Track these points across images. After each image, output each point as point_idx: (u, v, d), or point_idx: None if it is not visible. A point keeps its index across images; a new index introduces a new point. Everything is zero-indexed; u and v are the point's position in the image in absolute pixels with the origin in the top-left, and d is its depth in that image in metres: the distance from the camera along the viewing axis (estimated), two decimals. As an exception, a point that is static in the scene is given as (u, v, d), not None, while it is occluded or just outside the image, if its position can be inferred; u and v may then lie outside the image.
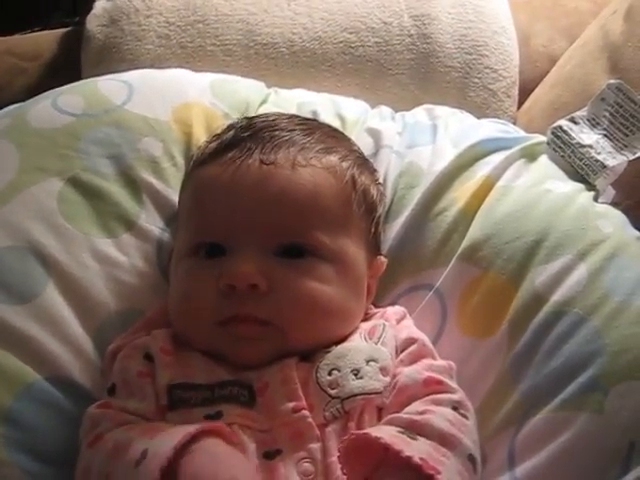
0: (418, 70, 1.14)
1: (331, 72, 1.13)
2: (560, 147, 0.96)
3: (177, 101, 0.98)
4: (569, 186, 0.92)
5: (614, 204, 0.93)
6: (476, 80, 1.14)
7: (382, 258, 0.88)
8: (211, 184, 0.83)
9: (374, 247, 0.88)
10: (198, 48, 1.13)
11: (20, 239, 0.86)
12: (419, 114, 1.03)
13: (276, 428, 0.75)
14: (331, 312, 0.80)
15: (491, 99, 1.14)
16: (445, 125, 0.99)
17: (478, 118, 1.05)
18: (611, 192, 0.94)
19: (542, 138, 0.98)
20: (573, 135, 0.96)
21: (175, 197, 0.91)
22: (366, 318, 0.86)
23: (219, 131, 0.90)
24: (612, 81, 0.97)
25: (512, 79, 1.15)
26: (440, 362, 0.81)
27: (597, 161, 0.94)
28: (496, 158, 0.94)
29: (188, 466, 0.68)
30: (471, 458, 0.74)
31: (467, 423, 0.76)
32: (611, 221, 0.89)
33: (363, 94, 1.10)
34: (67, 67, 1.18)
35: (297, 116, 0.92)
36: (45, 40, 1.28)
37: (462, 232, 0.90)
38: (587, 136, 0.96)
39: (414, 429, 0.73)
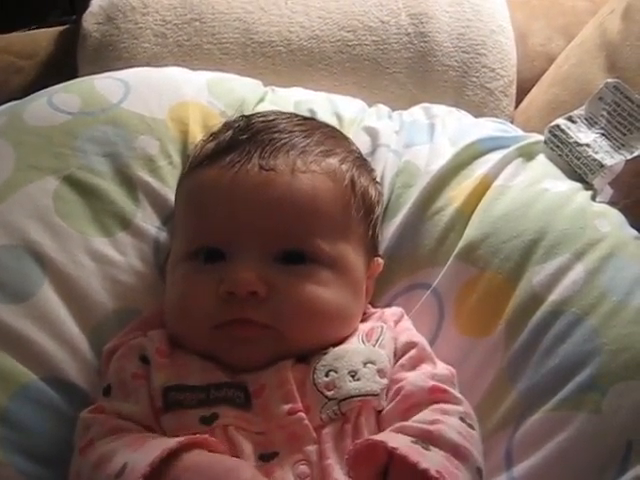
0: (415, 69, 1.13)
1: (328, 71, 1.13)
2: (558, 146, 0.96)
3: (174, 99, 0.97)
4: (567, 185, 0.92)
5: (612, 203, 0.93)
6: (474, 79, 1.14)
7: (379, 259, 0.88)
8: (210, 188, 0.82)
9: (372, 249, 0.87)
10: (195, 46, 1.13)
11: (16, 238, 0.85)
12: (416, 113, 1.03)
13: (272, 430, 0.75)
14: (331, 316, 0.80)
15: (489, 98, 1.14)
16: (442, 124, 0.99)
17: (475, 117, 1.05)
18: (609, 191, 0.94)
19: (540, 137, 0.98)
20: (571, 134, 0.96)
21: (172, 196, 0.91)
22: (364, 319, 0.85)
23: (215, 130, 0.89)
24: (610, 80, 0.97)
25: (510, 78, 1.15)
26: (442, 371, 0.80)
27: (595, 160, 0.94)
28: (494, 157, 0.94)
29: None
30: (479, 471, 0.74)
31: (474, 434, 0.76)
32: (609, 220, 0.89)
33: (360, 93, 1.10)
34: (63, 65, 1.18)
35: (296, 115, 0.92)
36: (41, 38, 1.28)
37: (459, 231, 0.89)
38: (585, 135, 0.96)
39: (427, 439, 0.72)
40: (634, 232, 0.90)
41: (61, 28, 1.29)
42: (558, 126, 0.97)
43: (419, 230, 0.91)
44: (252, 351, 0.78)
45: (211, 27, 1.14)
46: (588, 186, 0.93)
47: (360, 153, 0.92)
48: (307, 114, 0.98)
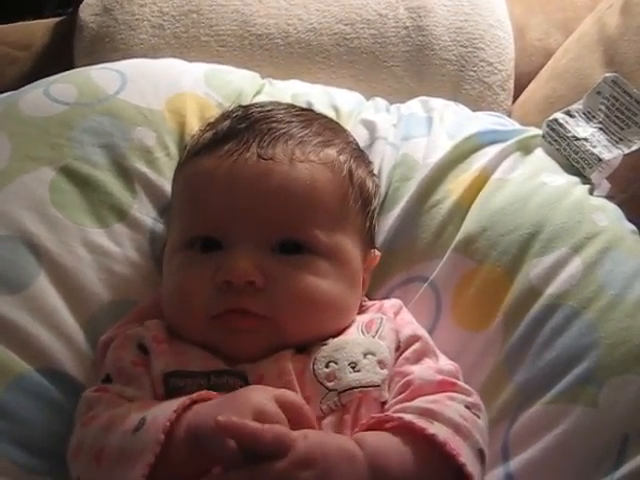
0: (413, 62, 1.13)
1: (326, 63, 1.12)
2: (556, 140, 0.96)
3: (171, 91, 0.97)
4: (564, 179, 0.92)
5: (609, 198, 0.93)
6: (471, 73, 1.13)
7: (376, 252, 0.88)
8: (207, 177, 0.82)
9: (369, 241, 0.87)
10: (192, 38, 1.12)
11: (11, 228, 0.85)
12: (414, 106, 1.03)
13: None
14: (328, 307, 0.80)
15: (486, 92, 1.13)
16: (440, 117, 0.99)
17: (473, 111, 1.04)
18: (606, 186, 0.94)
19: (538, 131, 0.98)
20: (569, 128, 0.96)
21: (168, 187, 0.91)
22: (362, 311, 0.85)
23: (213, 120, 0.89)
24: (608, 74, 0.97)
25: (507, 72, 1.15)
26: (447, 367, 0.80)
27: (593, 154, 0.94)
28: (492, 150, 0.94)
29: (192, 417, 0.68)
30: (481, 453, 0.73)
31: (479, 422, 0.75)
32: (606, 214, 0.89)
33: (358, 86, 1.10)
34: (59, 56, 1.17)
35: (294, 106, 0.92)
36: (37, 29, 1.27)
37: (457, 224, 0.89)
38: (583, 129, 0.96)
39: (429, 416, 0.72)
40: (631, 226, 0.90)
41: (57, 19, 1.28)
42: (556, 120, 0.97)
43: (417, 223, 0.91)
44: (249, 342, 0.78)
45: (209, 19, 1.13)
46: (586, 180, 0.93)
47: (357, 145, 0.91)
48: (304, 106, 0.97)
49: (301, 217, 0.79)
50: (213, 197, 0.80)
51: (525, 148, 0.95)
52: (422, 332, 0.82)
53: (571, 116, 0.97)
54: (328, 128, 0.87)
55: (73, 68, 1.07)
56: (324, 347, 0.78)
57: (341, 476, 0.67)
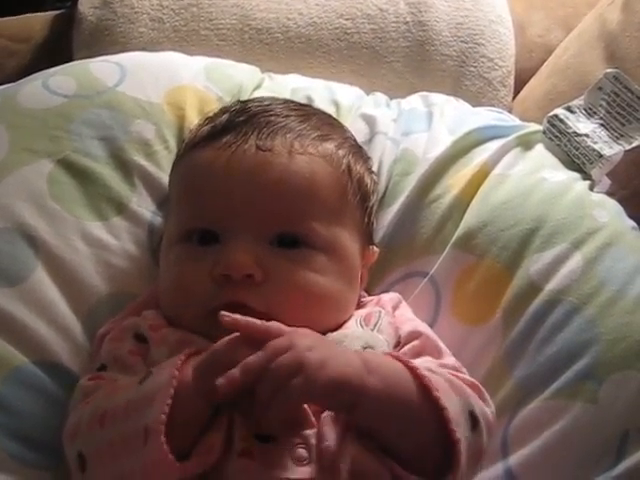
0: (413, 58, 1.13)
1: (326, 58, 1.12)
2: (556, 136, 0.96)
3: (170, 84, 0.96)
4: (565, 175, 0.92)
5: (609, 194, 0.93)
6: (472, 69, 1.13)
7: (374, 248, 0.88)
8: (205, 169, 0.81)
9: (367, 237, 0.87)
10: (192, 32, 1.12)
11: (9, 221, 0.84)
12: (414, 101, 1.02)
13: None
14: (326, 302, 0.79)
15: (487, 88, 1.13)
16: (441, 112, 0.99)
17: (473, 107, 1.04)
18: (607, 182, 0.93)
19: (538, 127, 0.97)
20: (569, 124, 0.96)
21: (167, 180, 0.90)
22: (360, 305, 0.85)
23: (211, 114, 0.88)
24: (610, 70, 0.97)
25: (508, 68, 1.15)
26: (451, 362, 0.79)
27: (593, 150, 0.93)
28: (492, 146, 0.93)
29: (194, 361, 0.69)
30: (472, 415, 0.73)
31: (483, 406, 0.75)
32: (607, 210, 0.89)
33: (358, 81, 1.09)
34: (58, 49, 1.17)
35: (292, 101, 0.91)
36: (36, 22, 1.26)
37: (457, 219, 0.89)
38: (583, 125, 0.96)
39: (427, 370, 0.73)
40: (632, 222, 0.90)
41: (56, 12, 1.28)
42: (557, 116, 0.97)
43: (417, 218, 0.90)
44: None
45: (208, 13, 1.13)
46: (586, 176, 0.93)
47: (355, 140, 0.91)
48: (304, 101, 0.97)
49: (300, 209, 0.79)
50: (210, 189, 0.80)
51: (526, 144, 0.95)
52: (424, 329, 0.82)
53: (572, 112, 0.97)
54: (326, 123, 0.87)
55: (72, 61, 1.07)
56: None
57: (339, 356, 0.70)
